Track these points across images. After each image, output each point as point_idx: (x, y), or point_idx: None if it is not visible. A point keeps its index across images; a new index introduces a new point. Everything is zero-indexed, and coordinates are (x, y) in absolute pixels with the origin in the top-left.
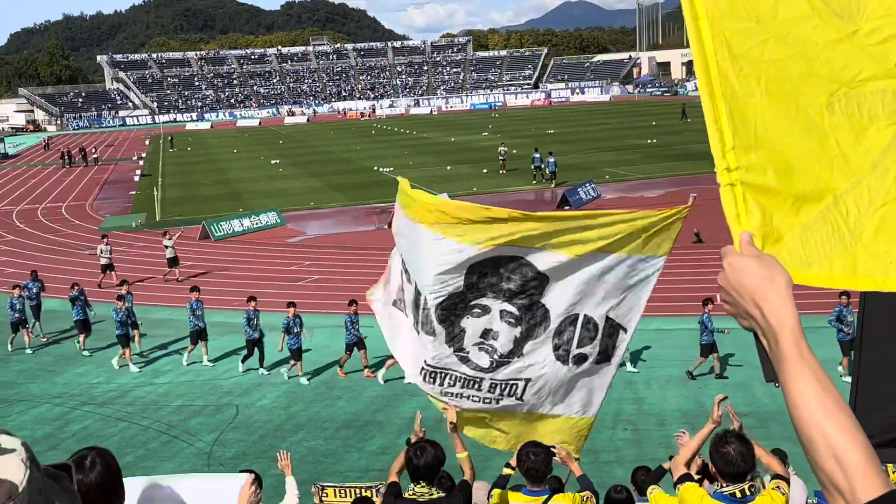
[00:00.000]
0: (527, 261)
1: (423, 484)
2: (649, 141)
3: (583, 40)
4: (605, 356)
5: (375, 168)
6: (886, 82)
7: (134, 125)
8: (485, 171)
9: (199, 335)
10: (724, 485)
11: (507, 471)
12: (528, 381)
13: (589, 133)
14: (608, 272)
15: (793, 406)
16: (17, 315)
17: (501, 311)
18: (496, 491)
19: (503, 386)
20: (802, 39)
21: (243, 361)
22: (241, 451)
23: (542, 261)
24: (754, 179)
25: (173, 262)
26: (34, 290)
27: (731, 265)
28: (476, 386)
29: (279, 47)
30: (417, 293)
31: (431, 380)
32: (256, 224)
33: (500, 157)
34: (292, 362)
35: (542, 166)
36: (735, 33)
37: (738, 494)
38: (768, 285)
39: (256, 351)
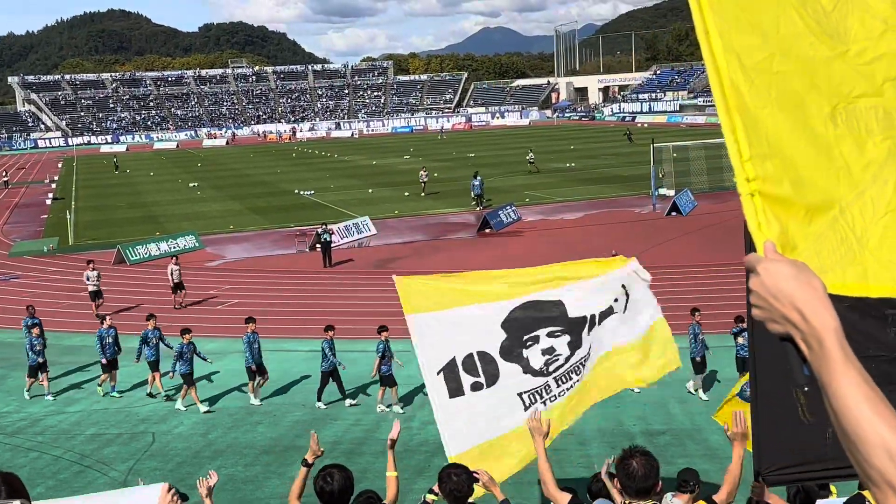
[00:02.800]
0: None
1: None
2: (568, 164)
3: (502, 65)
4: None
5: (296, 191)
6: (877, 100)
7: (46, 148)
8: (406, 193)
9: (256, 369)
10: (629, 502)
11: (429, 497)
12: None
13: (509, 157)
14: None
15: (841, 406)
16: (40, 359)
17: (548, 333)
18: None
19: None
20: (802, 55)
21: (319, 397)
22: (158, 479)
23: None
24: (771, 189)
25: (178, 286)
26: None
27: (767, 270)
28: (567, 377)
29: (197, 69)
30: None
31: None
32: (174, 248)
33: (421, 181)
34: (383, 388)
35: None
36: (744, 47)
37: None
38: (807, 289)
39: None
